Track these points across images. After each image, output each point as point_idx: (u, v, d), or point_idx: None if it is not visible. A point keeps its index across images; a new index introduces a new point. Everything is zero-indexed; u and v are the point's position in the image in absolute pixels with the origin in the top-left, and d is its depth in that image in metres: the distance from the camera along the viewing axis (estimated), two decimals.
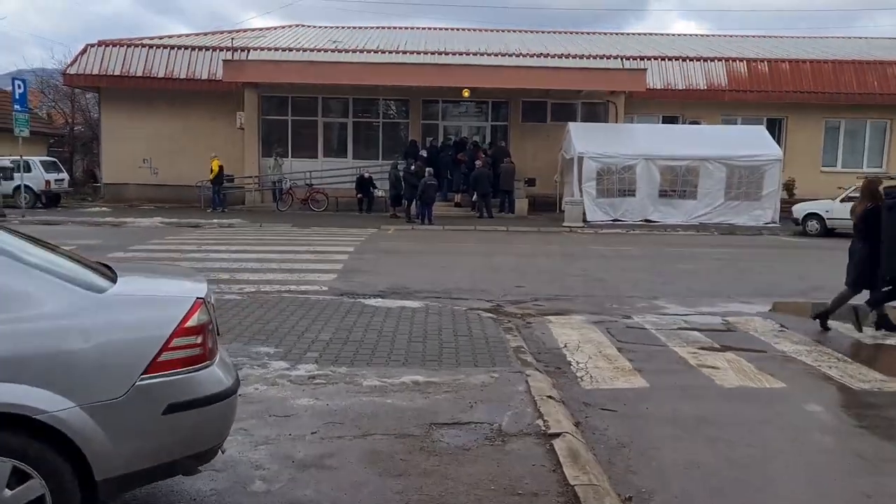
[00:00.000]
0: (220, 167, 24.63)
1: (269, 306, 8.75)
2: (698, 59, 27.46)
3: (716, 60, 27.42)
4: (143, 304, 3.47)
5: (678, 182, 23.24)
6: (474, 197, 23.61)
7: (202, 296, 3.52)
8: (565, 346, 7.49)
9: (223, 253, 13.89)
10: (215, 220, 21.37)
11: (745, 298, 10.37)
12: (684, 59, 27.46)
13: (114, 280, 3.65)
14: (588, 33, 33.55)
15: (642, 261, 14.10)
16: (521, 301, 9.91)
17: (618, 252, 15.30)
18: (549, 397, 5.62)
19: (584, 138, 23.29)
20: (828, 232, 20.14)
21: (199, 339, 3.38)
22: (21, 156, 22.29)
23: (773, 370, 6.65)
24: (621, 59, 27.11)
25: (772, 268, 13.70)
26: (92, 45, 27.14)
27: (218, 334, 3.81)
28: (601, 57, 27.30)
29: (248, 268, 12.23)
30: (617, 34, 34.05)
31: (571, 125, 24.20)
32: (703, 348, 7.45)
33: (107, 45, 27.14)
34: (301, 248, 14.89)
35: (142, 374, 3.21)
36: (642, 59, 27.17)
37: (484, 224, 21.57)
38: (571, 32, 33.50)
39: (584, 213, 22.10)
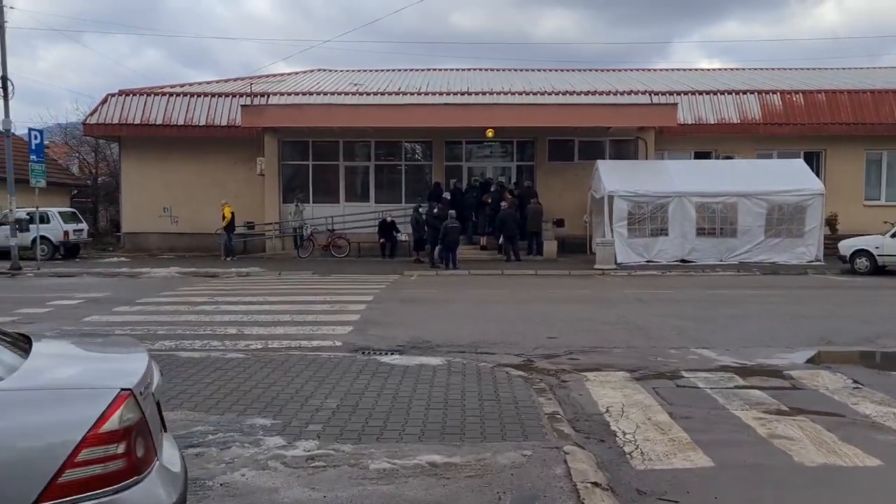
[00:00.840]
0: (233, 213, 24.08)
1: (274, 366, 7.86)
2: (730, 93, 26.56)
3: (749, 93, 26.50)
4: (43, 401, 2.53)
5: (715, 220, 22.15)
6: (500, 239, 22.70)
7: (130, 385, 2.60)
8: (607, 410, 6.47)
9: (235, 305, 13.09)
10: (233, 270, 20.68)
11: (806, 348, 9.29)
12: (715, 93, 26.58)
13: (22, 359, 2.77)
14: (615, 70, 32.90)
15: (684, 305, 13.02)
16: (554, 355, 8.92)
17: (656, 296, 14.23)
18: (595, 484, 4.61)
19: (614, 176, 22.38)
20: (878, 269, 18.92)
21: (122, 448, 2.46)
22: (37, 207, 21.88)
23: (859, 441, 5.57)
24: (650, 94, 26.32)
25: (829, 311, 12.55)
26: (112, 95, 26.99)
27: (164, 430, 2.90)
28: (629, 93, 26.53)
29: (259, 321, 11.38)
30: (644, 70, 33.34)
31: (600, 163, 23.32)
32: (769, 412, 6.39)
33: (126, 95, 26.97)
34: (317, 297, 14.05)
35: (34, 503, 2.29)
36: (672, 94, 26.33)
37: (511, 268, 20.63)
38: (597, 70, 32.86)
39: (615, 255, 21.05)
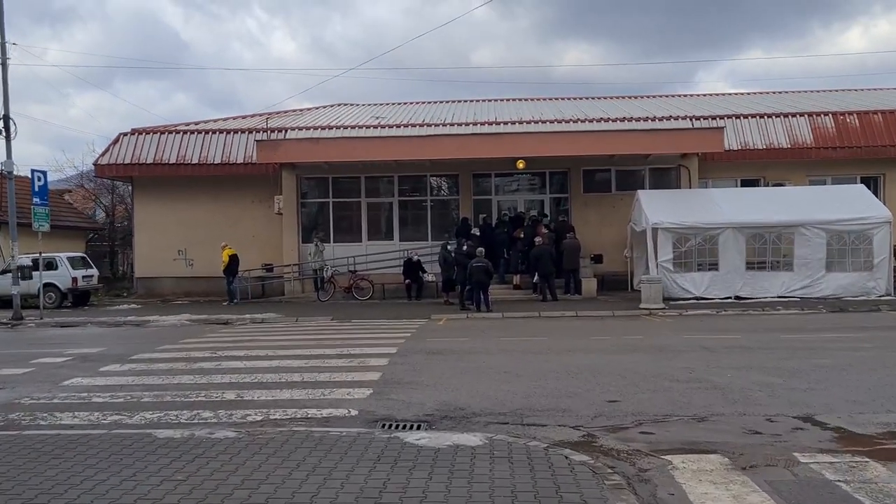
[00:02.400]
0: (231, 256, 22.70)
1: (269, 451, 6.19)
2: (778, 116, 24.81)
3: (798, 116, 24.75)
4: None
5: (768, 252, 20.26)
6: (535, 278, 20.97)
7: None
8: None
9: (239, 361, 11.47)
10: (247, 316, 19.18)
11: None
12: (762, 116, 24.83)
13: None
14: (649, 97, 31.33)
15: (759, 354, 11.15)
16: (620, 426, 7.15)
17: (721, 343, 12.37)
18: None
19: (657, 207, 20.65)
20: None
21: None
22: (41, 252, 20.62)
23: None
24: (690, 119, 24.65)
25: None
26: (125, 134, 25.97)
27: None
28: (668, 118, 24.88)
29: (264, 381, 9.74)
30: (682, 96, 31.65)
31: (641, 193, 21.61)
32: None
33: (139, 133, 25.92)
34: (334, 349, 12.40)
35: None
36: (714, 118, 24.64)
37: (548, 309, 18.86)
38: (631, 97, 31.31)
39: (662, 293, 19.20)
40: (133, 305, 23.41)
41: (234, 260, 22.94)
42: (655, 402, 8.08)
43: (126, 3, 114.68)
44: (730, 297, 19.79)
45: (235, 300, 22.69)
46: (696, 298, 19.79)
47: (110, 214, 36.14)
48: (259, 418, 7.78)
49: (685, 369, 9.89)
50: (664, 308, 18.54)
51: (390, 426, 7.35)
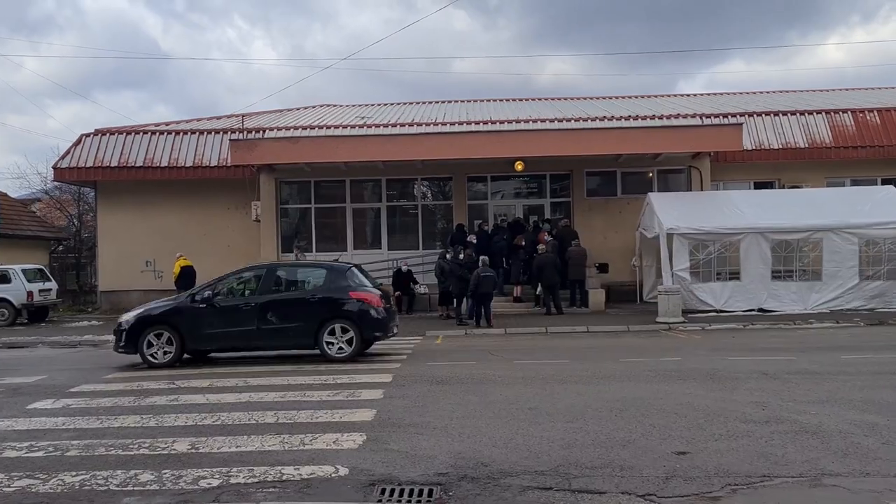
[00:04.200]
0: (184, 268, 20.60)
1: None
2: (794, 113, 23.12)
3: (816, 114, 23.07)
4: None
5: (795, 259, 18.51)
6: (538, 289, 19.07)
7: None
8: None
9: (201, 394, 9.44)
10: None
11: None
12: (776, 115, 23.14)
13: None
14: (654, 96, 29.57)
15: (832, 382, 9.25)
16: (708, 493, 5.23)
17: (778, 366, 10.48)
18: None
19: (671, 211, 18.85)
20: None
21: None
22: None
23: None
24: (700, 117, 22.89)
25: None
26: (87, 135, 23.87)
27: None
28: (676, 116, 23.10)
29: (227, 424, 7.73)
30: (690, 95, 29.87)
31: (653, 196, 19.81)
32: None
33: (103, 134, 23.82)
34: (317, 377, 10.40)
35: None
36: (726, 116, 22.90)
37: (555, 324, 16.96)
38: (635, 97, 29.51)
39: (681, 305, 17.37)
40: (94, 322, 21.26)
41: (186, 272, 20.86)
42: (739, 455, 6.16)
43: (105, 13, 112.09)
44: (753, 310, 18.02)
45: None
46: (717, 311, 17.99)
47: (77, 223, 33.82)
48: (216, 483, 5.78)
49: (755, 404, 7.97)
50: (684, 322, 16.71)
51: (392, 492, 5.40)
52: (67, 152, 23.68)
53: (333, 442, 6.89)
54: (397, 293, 20.55)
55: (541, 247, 19.16)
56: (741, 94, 29.24)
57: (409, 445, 6.70)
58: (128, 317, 12.43)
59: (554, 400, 8.45)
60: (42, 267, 23.31)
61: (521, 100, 29.68)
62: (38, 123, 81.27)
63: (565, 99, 29.26)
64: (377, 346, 13.54)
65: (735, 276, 18.50)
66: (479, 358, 12.16)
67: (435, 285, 19.78)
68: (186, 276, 20.88)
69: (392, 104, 29.16)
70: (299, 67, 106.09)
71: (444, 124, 23.14)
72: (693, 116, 22.62)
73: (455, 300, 18.03)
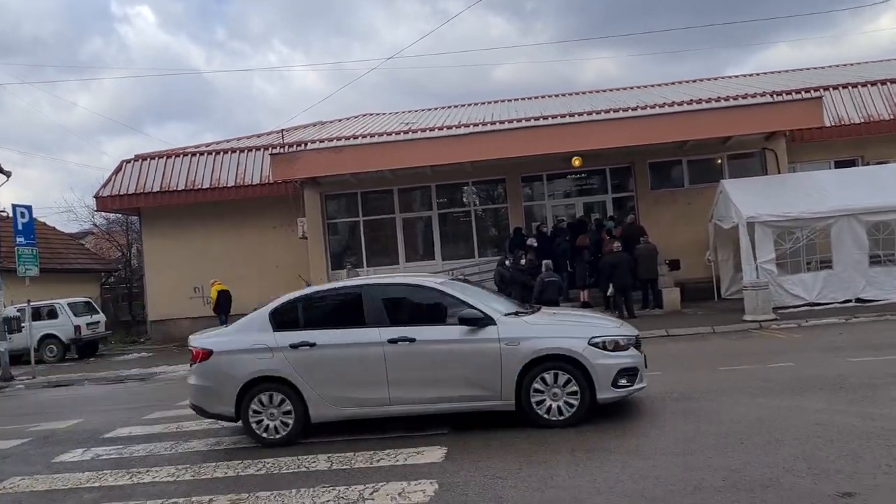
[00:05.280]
0: (221, 292, 19.75)
1: None
2: (876, 84, 21.17)
3: None
4: None
5: (895, 242, 16.64)
6: (609, 291, 17.59)
7: None
8: None
9: (244, 436, 8.28)
10: None
11: None
12: (856, 86, 21.23)
13: None
14: (717, 78, 27.75)
15: None
16: None
17: None
18: None
19: (749, 198, 17.14)
20: None
21: None
22: (29, 301, 17.81)
23: None
24: (770, 94, 21.12)
25: None
26: (127, 162, 23.23)
27: None
28: (743, 96, 21.36)
29: (273, 473, 6.55)
30: (753, 75, 27.90)
31: (727, 183, 18.14)
32: None
33: (144, 160, 23.17)
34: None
35: None
36: (798, 92, 21.07)
37: None
38: (694, 80, 27.72)
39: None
40: (144, 354, 20.52)
41: (223, 296, 20.03)
42: None
43: (149, 48, 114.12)
44: (850, 301, 16.21)
45: None
46: (809, 305, 16.25)
47: (127, 253, 33.49)
48: None
49: None
50: (776, 319, 15.02)
51: None
52: (109, 180, 23.09)
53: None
54: None
55: (617, 244, 17.70)
56: (807, 69, 27.23)
57: None
58: None
59: (656, 424, 7.05)
60: (89, 299, 22.73)
61: (571, 94, 28.20)
62: (94, 160, 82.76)
63: (619, 89, 27.64)
64: None
65: (826, 264, 16.72)
66: None
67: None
68: (224, 300, 20.08)
69: (436, 108, 27.98)
70: (338, 84, 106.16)
71: (492, 123, 21.83)
72: (763, 95, 20.86)
73: None
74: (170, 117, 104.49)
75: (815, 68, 27.12)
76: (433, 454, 6.70)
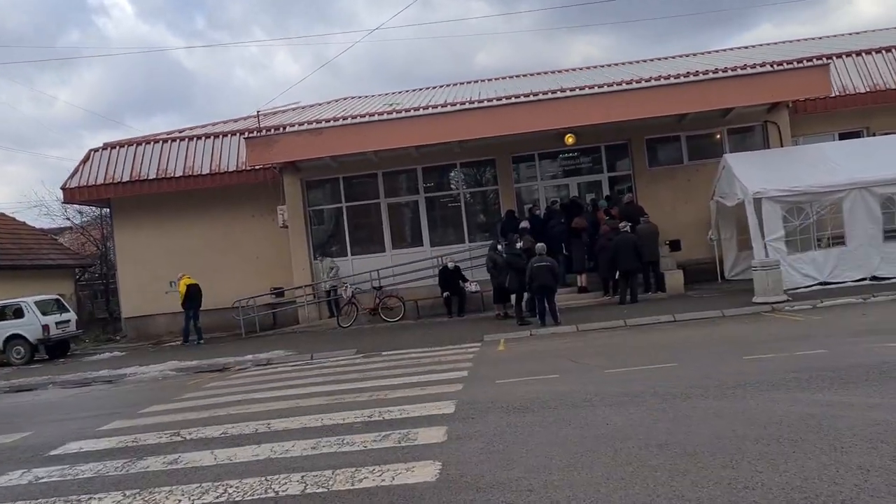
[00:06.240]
0: (190, 286, 18.64)
1: None
2: (880, 51, 20.21)
3: None
4: None
5: None
6: (616, 275, 16.60)
7: None
8: None
9: (209, 449, 7.20)
10: (249, 357, 15.08)
11: None
12: (860, 54, 20.27)
13: None
14: (715, 51, 26.69)
15: None
16: None
17: None
18: None
19: (754, 172, 16.22)
20: None
21: None
22: None
23: None
24: (771, 64, 20.12)
25: None
26: (95, 150, 21.96)
27: None
28: (742, 67, 20.33)
29: (235, 500, 5.49)
30: (750, 47, 26.86)
31: (730, 157, 17.17)
32: None
33: (112, 147, 21.92)
34: (360, 411, 8.12)
35: None
36: (800, 61, 20.07)
37: (633, 315, 14.47)
38: (686, 55, 26.65)
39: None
40: (117, 353, 19.34)
41: (192, 291, 18.90)
42: None
43: (127, 40, 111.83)
44: (864, 279, 15.31)
45: (197, 340, 18.74)
46: (822, 284, 15.32)
47: (102, 247, 32.19)
48: None
49: None
50: (788, 301, 14.08)
51: None
52: (76, 171, 21.83)
53: None
54: (446, 294, 18.29)
55: (623, 223, 16.72)
56: (808, 39, 26.21)
57: None
58: None
59: (687, 428, 6.02)
60: (58, 297, 21.48)
61: (561, 71, 27.12)
62: (76, 154, 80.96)
63: (612, 65, 26.53)
64: (427, 355, 11.27)
65: (839, 241, 15.80)
66: (557, 367, 9.76)
67: (487, 281, 17.45)
68: (194, 295, 18.97)
69: (423, 89, 26.80)
70: (320, 72, 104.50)
71: (480, 101, 20.72)
72: (763, 65, 19.83)
73: (514, 296, 15.62)
74: (152, 110, 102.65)
75: (817, 38, 26.12)
76: (426, 472, 5.65)
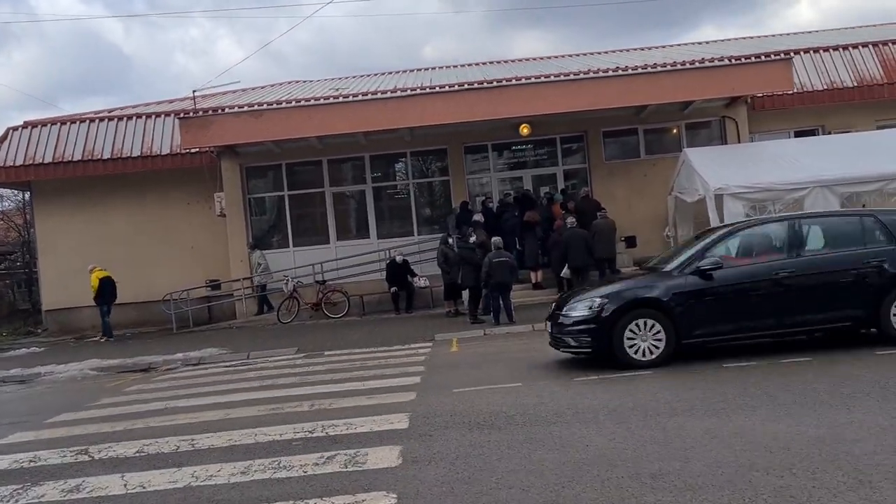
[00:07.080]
0: (102, 280, 17.41)
1: None
2: (836, 49, 19.99)
3: (862, 47, 19.96)
4: None
5: None
6: (564, 272, 15.89)
7: None
8: None
9: (119, 471, 6.12)
10: (179, 355, 13.90)
11: None
12: (817, 51, 20.03)
13: None
14: (663, 47, 26.30)
15: None
16: None
17: None
18: None
19: (716, 168, 15.73)
20: None
21: None
22: None
23: None
24: (728, 59, 19.70)
25: None
26: (15, 129, 20.29)
27: None
28: (700, 61, 19.86)
29: None
30: (707, 42, 26.37)
31: (690, 152, 16.65)
32: None
33: (34, 126, 20.30)
34: (300, 424, 7.13)
35: None
36: (758, 56, 19.69)
37: None
38: (645, 48, 26.13)
39: None
40: (35, 348, 17.85)
41: (106, 284, 17.64)
42: None
43: (63, 20, 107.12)
44: None
45: (110, 337, 17.54)
46: None
47: (25, 234, 30.21)
48: None
49: None
50: None
51: None
52: None
53: None
54: (393, 289, 17.35)
55: (571, 220, 16.01)
56: (765, 36, 26.01)
57: None
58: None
59: (684, 452, 5.22)
60: None
61: (515, 60, 26.34)
62: None
63: (567, 56, 25.86)
64: (374, 356, 10.35)
65: None
66: (519, 373, 8.93)
67: (437, 276, 16.58)
68: (107, 289, 17.70)
69: (371, 75, 25.69)
70: (263, 61, 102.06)
71: (432, 88, 19.78)
72: (726, 59, 19.38)
73: (467, 293, 14.76)
74: (87, 94, 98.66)
75: (773, 35, 25.97)
76: None
